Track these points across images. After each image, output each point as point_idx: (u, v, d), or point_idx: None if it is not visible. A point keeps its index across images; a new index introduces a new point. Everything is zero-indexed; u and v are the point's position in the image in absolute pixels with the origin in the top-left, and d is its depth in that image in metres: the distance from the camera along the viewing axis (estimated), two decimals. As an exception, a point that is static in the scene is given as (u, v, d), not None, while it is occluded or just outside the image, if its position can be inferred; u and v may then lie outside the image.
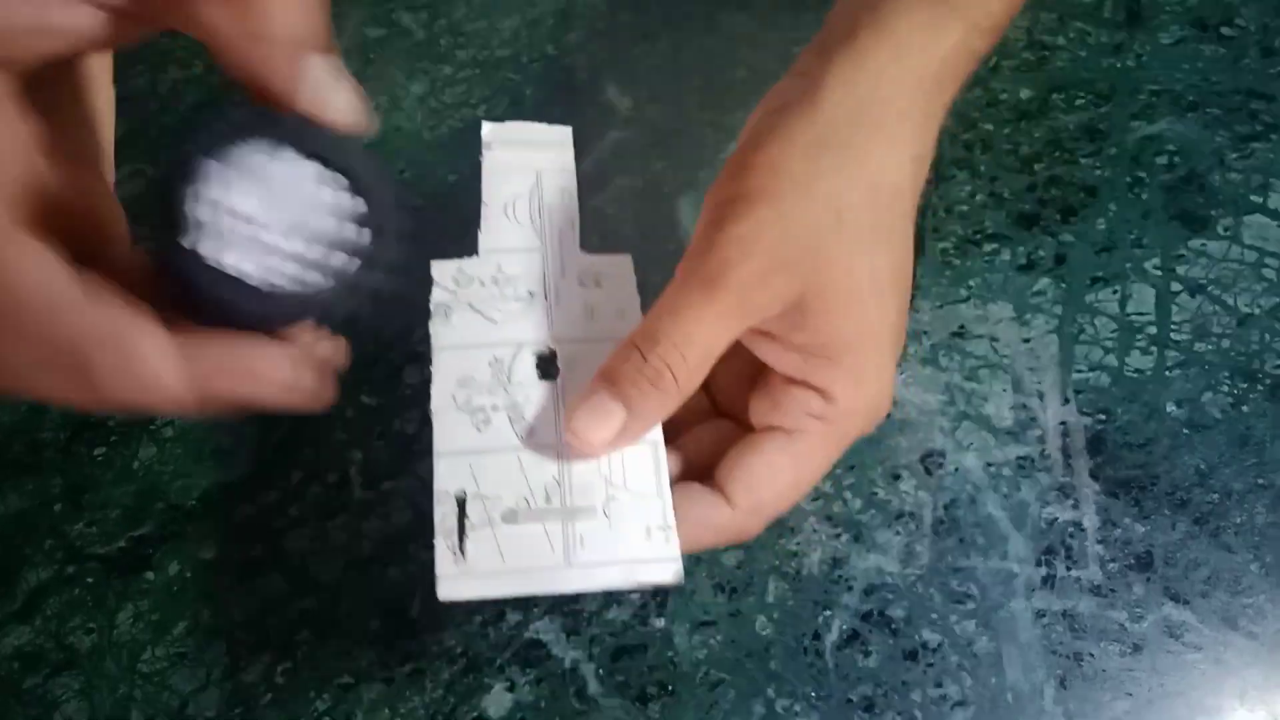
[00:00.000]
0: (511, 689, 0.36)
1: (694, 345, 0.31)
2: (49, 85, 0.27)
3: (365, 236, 0.25)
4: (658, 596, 0.37)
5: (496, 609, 0.37)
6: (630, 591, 0.29)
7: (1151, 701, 0.35)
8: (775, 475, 0.32)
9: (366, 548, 0.38)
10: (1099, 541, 0.38)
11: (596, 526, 0.30)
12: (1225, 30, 0.51)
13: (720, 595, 0.37)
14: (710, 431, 0.34)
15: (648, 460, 0.32)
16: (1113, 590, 0.37)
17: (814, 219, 0.31)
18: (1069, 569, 0.37)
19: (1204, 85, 0.49)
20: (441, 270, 0.34)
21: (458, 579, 0.28)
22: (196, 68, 0.51)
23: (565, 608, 0.37)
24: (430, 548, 0.29)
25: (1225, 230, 0.45)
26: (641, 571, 0.29)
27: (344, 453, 0.40)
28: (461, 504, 0.30)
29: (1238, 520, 0.38)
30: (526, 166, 0.37)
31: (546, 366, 0.33)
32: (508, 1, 0.53)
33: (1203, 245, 0.44)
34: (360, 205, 0.25)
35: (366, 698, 0.35)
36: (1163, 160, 0.47)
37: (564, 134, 0.37)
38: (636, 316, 0.35)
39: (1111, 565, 0.37)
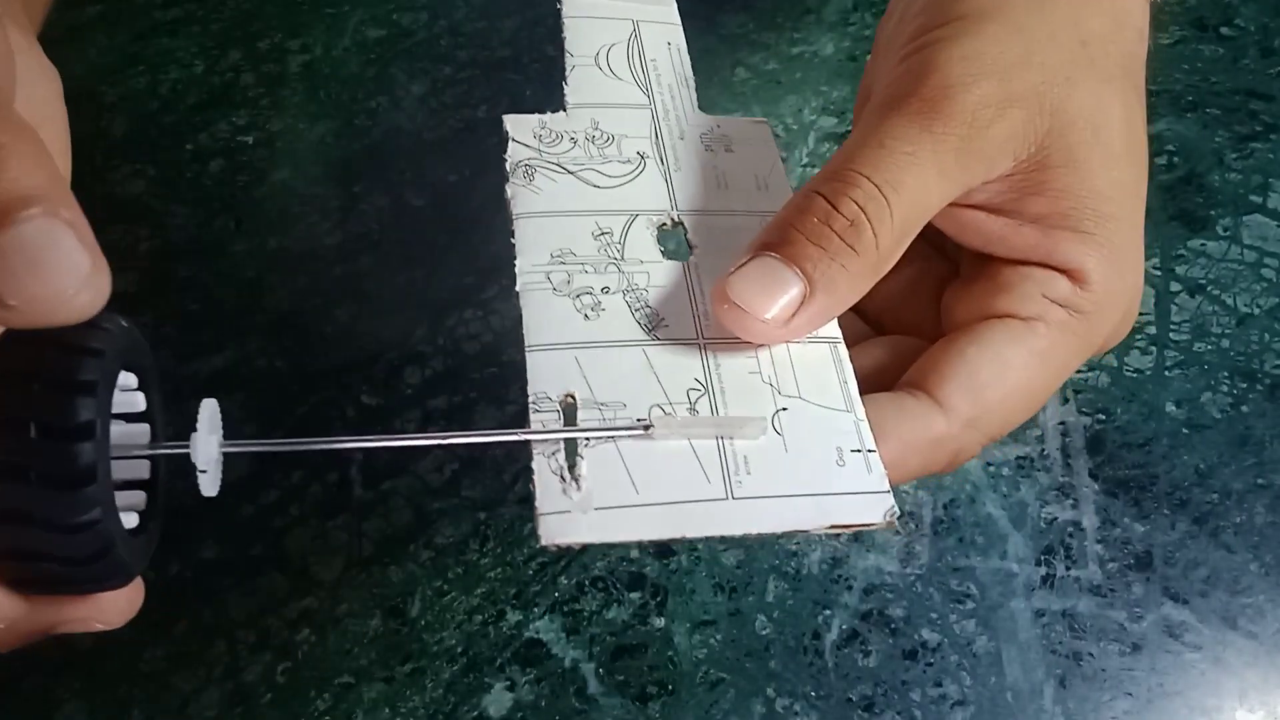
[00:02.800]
0: (512, 688, 0.36)
1: (903, 193, 0.23)
2: None
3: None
4: (658, 596, 0.37)
5: (496, 609, 0.37)
6: (803, 535, 0.21)
7: (1151, 701, 0.35)
8: (1006, 373, 0.24)
9: (366, 547, 0.38)
10: (1098, 541, 0.38)
11: (766, 446, 0.22)
12: (1224, 30, 0.51)
13: (720, 595, 0.37)
14: (879, 350, 0.26)
15: (825, 362, 0.24)
16: (1112, 590, 0.37)
17: (1056, 40, 0.24)
18: (1068, 569, 0.37)
19: (1203, 85, 0.49)
20: (518, 125, 0.27)
21: (569, 517, 0.20)
22: (197, 67, 0.51)
23: (566, 607, 0.37)
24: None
25: (1224, 230, 0.45)
26: (839, 509, 0.21)
27: (344, 452, 0.40)
28: (569, 412, 0.22)
29: (1237, 520, 0.38)
30: (619, 15, 0.30)
31: (672, 241, 0.25)
32: (508, 1, 0.53)
33: (1202, 245, 0.44)
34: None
35: (367, 697, 0.35)
36: (1162, 160, 0.47)
37: None
38: (784, 189, 0.27)
39: (1111, 565, 0.37)
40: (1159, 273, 0.44)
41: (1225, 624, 0.36)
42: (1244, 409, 0.40)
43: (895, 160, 0.23)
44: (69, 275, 0.18)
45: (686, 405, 0.22)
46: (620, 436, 0.22)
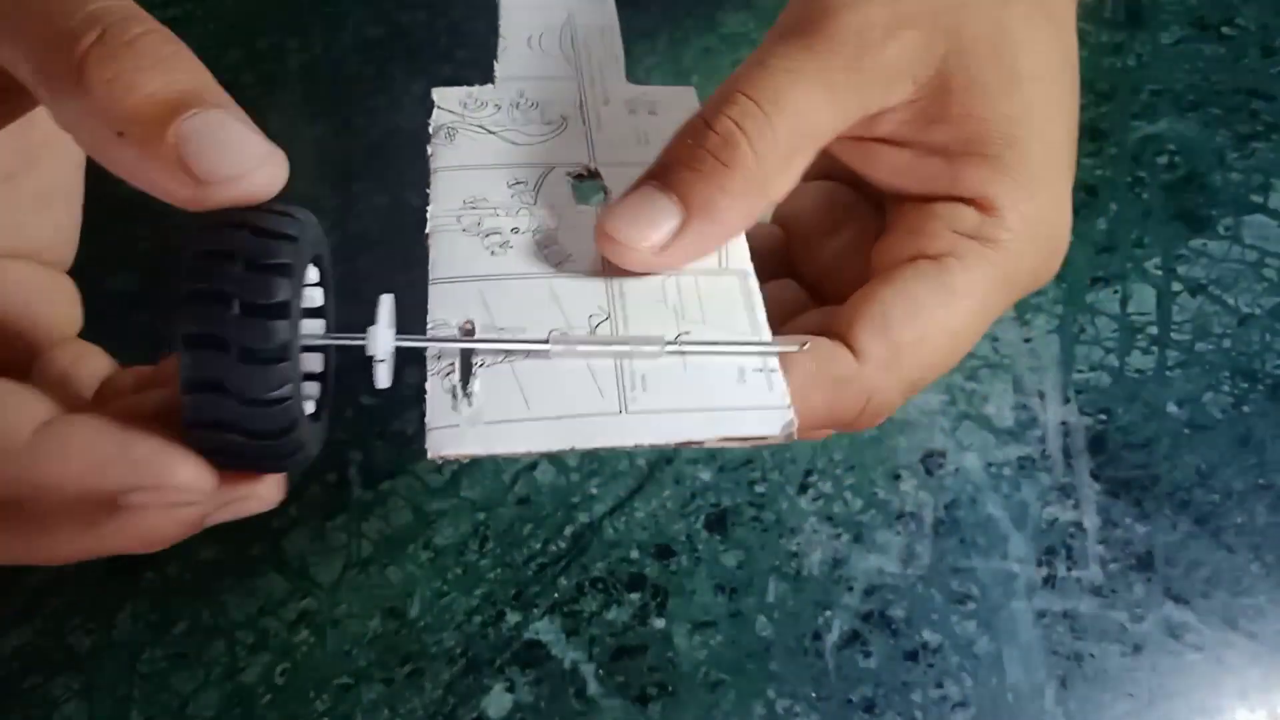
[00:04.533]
0: (511, 690, 0.35)
1: (785, 108, 0.22)
2: None
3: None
4: (658, 596, 0.37)
5: (496, 610, 0.37)
6: (714, 446, 0.22)
7: (1152, 702, 0.35)
8: (917, 312, 0.23)
9: (366, 548, 0.38)
10: (1100, 542, 0.38)
11: (665, 366, 0.22)
12: (1225, 30, 0.51)
13: (720, 595, 0.37)
14: (816, 319, 0.26)
15: (733, 293, 0.24)
16: (1113, 590, 0.37)
17: None
18: (1070, 569, 0.37)
19: (1204, 85, 0.49)
20: (445, 95, 0.28)
21: (457, 430, 0.21)
22: (196, 67, 0.51)
23: (565, 608, 0.37)
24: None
25: (1226, 230, 0.45)
26: (734, 421, 0.21)
27: (343, 453, 0.40)
28: (468, 335, 0.23)
29: (1238, 520, 0.38)
30: (553, 5, 0.30)
31: (587, 189, 0.26)
32: (508, 1, 0.53)
33: (1203, 245, 0.44)
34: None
35: (366, 698, 0.35)
36: (1163, 160, 0.47)
37: None
38: None
39: (1112, 565, 0.37)
40: (1160, 272, 0.44)
41: (1226, 624, 0.36)
42: (1245, 409, 0.40)
43: (775, 78, 0.22)
44: (249, 153, 0.20)
45: (587, 330, 0.23)
46: (516, 349, 0.22)
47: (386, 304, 0.22)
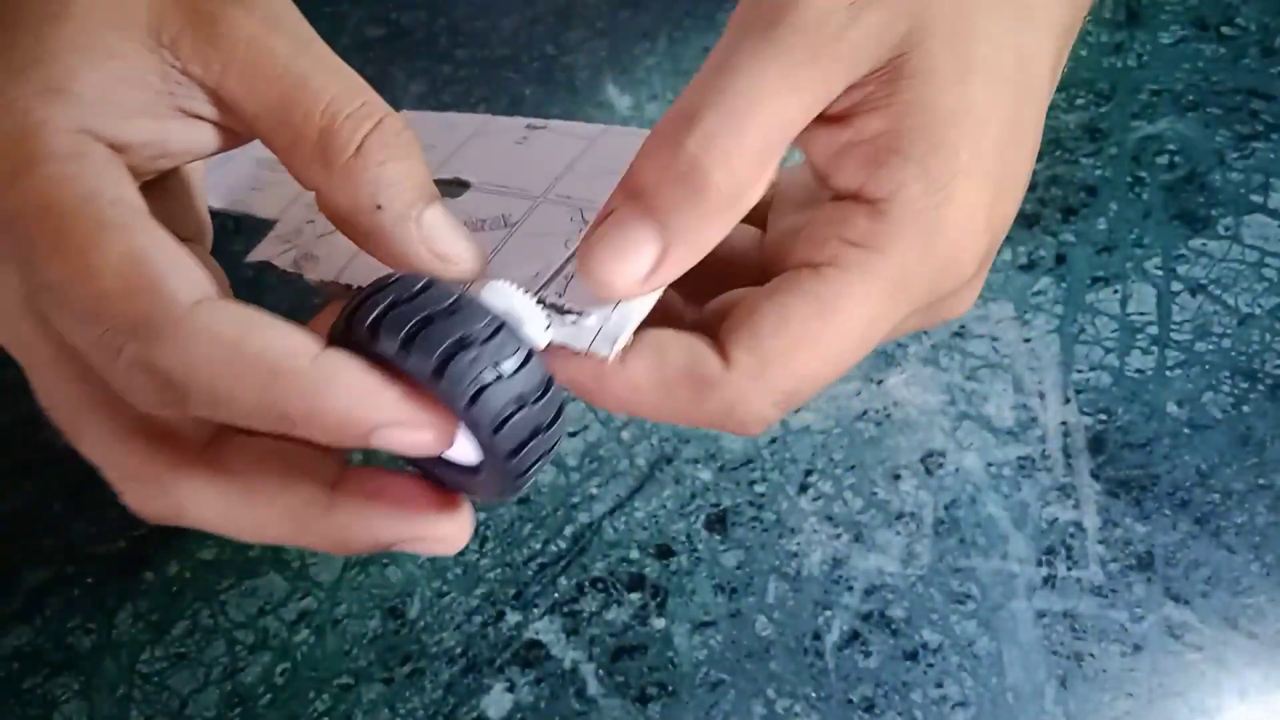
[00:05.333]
0: (511, 689, 0.35)
1: (755, 113, 0.22)
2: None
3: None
4: (658, 596, 0.37)
5: (496, 610, 0.37)
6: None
7: (1152, 702, 0.35)
8: (787, 324, 0.22)
9: (366, 548, 0.38)
10: (1100, 542, 0.38)
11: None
12: (1226, 30, 0.51)
13: (720, 595, 0.37)
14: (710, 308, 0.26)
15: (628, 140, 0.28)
16: (1113, 590, 0.37)
17: None
18: (1070, 569, 0.37)
19: (1204, 85, 0.49)
20: (263, 251, 0.32)
21: (601, 330, 0.24)
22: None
23: (565, 608, 0.37)
24: None
25: (1226, 230, 0.45)
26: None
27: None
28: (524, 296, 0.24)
29: (1239, 520, 0.38)
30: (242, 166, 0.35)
31: (453, 189, 0.30)
32: (508, 1, 0.53)
33: (1203, 245, 0.44)
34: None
35: (366, 698, 0.35)
36: (1163, 160, 0.47)
37: None
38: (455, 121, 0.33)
39: (1112, 565, 0.37)
40: (1160, 272, 0.44)
41: (1227, 624, 0.36)
42: (1245, 409, 0.40)
43: (739, 80, 0.22)
44: (467, 245, 0.24)
45: (580, 227, 0.26)
46: (565, 268, 0.26)
47: (495, 291, 0.24)
